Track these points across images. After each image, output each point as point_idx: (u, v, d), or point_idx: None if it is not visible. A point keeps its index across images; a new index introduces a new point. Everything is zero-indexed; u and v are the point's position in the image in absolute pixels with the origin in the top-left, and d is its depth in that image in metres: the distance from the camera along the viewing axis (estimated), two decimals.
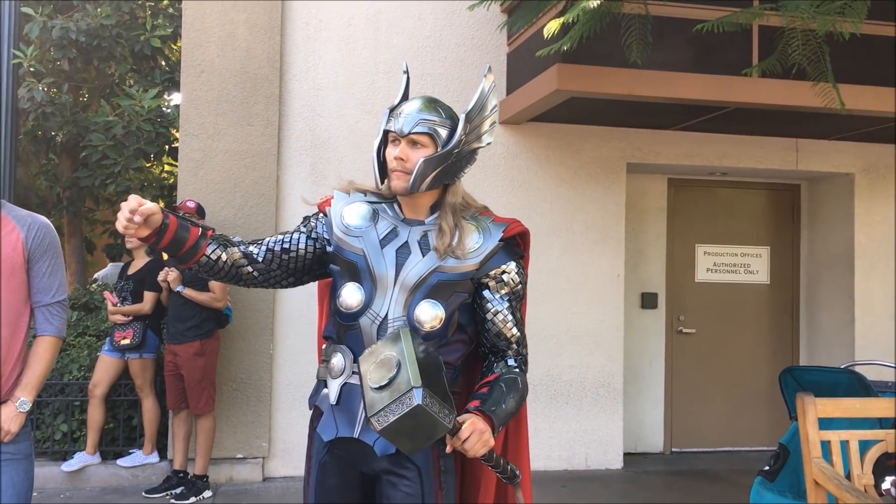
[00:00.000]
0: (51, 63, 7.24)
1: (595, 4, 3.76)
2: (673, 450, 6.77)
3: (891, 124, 5.75)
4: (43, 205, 7.61)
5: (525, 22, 5.34)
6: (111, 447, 5.64)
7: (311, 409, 2.28)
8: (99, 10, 6.95)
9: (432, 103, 2.21)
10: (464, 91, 5.97)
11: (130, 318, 5.38)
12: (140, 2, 7.47)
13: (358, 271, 2.18)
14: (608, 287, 6.22)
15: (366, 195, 2.29)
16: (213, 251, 2.17)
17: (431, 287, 2.14)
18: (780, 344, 7.03)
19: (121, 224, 2.01)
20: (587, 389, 6.16)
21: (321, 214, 2.31)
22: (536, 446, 6.06)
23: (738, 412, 6.88)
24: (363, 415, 2.04)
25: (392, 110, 2.23)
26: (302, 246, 2.26)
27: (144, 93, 6.76)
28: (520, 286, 2.22)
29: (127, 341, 5.35)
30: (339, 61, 5.95)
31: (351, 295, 2.16)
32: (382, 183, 2.25)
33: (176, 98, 7.42)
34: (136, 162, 6.90)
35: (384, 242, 2.20)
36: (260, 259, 2.23)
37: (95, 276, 8.15)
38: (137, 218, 1.99)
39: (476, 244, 2.19)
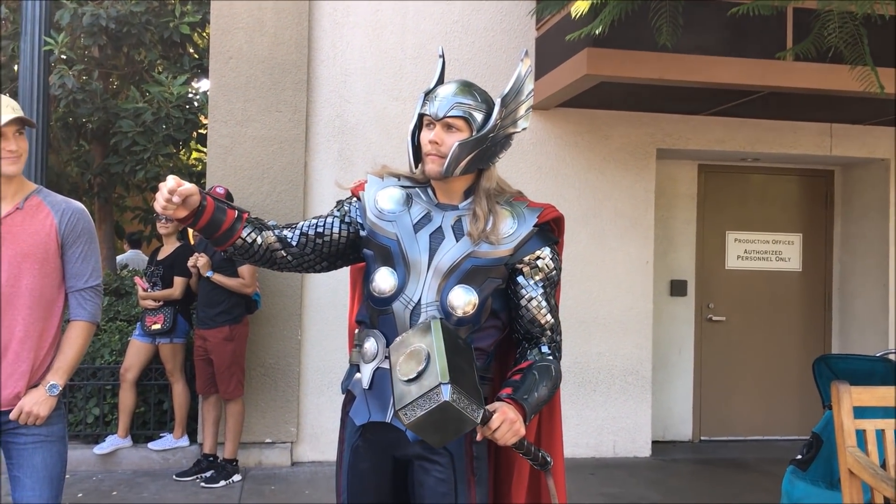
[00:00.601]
0: (81, 50, 7.29)
1: None
2: (702, 438, 6.72)
3: None
4: (74, 191, 7.68)
5: (555, 8, 5.28)
6: (142, 431, 5.70)
7: (343, 393, 2.28)
8: None
9: (468, 87, 2.19)
10: (492, 76, 5.93)
11: (161, 303, 5.43)
12: None
13: (391, 256, 2.17)
14: (637, 274, 6.17)
15: (399, 179, 2.28)
16: (248, 234, 2.17)
17: (465, 272, 2.13)
18: (811, 332, 6.93)
19: (159, 204, 2.02)
20: (615, 377, 6.13)
21: (355, 199, 2.30)
22: (564, 433, 6.01)
23: (768, 401, 6.80)
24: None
25: (427, 94, 2.21)
26: (336, 230, 2.25)
27: (173, 79, 6.80)
28: (554, 272, 2.20)
29: (158, 326, 5.40)
30: (366, 47, 5.93)
31: (384, 280, 2.16)
32: (417, 167, 2.23)
33: (205, 84, 7.45)
34: (165, 148, 6.94)
35: (418, 227, 2.18)
36: (294, 243, 2.23)
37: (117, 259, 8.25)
38: (176, 198, 2.00)
39: (510, 229, 2.17)
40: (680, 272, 6.72)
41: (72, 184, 7.82)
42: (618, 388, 6.13)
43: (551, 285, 2.20)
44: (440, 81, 2.25)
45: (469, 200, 2.20)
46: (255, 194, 5.72)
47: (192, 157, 8.60)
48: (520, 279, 2.17)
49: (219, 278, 5.15)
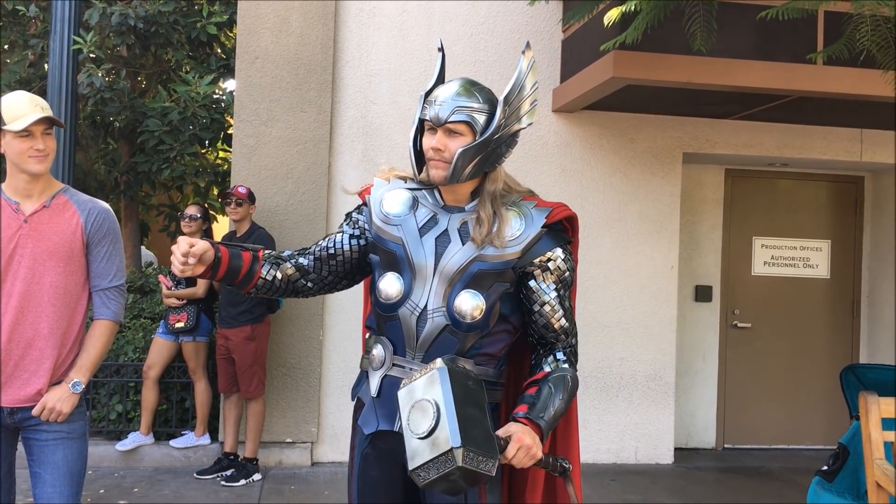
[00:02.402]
0: (110, 49, 7.34)
1: None
2: (725, 446, 6.64)
3: None
4: (101, 189, 7.74)
5: (582, 14, 5.25)
6: (164, 428, 5.74)
7: (353, 400, 2.27)
8: None
9: (470, 87, 2.11)
10: None
11: (184, 301, 5.45)
12: None
13: (397, 261, 2.13)
14: (661, 279, 6.12)
15: (406, 182, 2.24)
16: (267, 272, 2.20)
17: (471, 277, 2.08)
18: (839, 340, 6.83)
19: (177, 268, 2.05)
20: (638, 382, 6.07)
21: (363, 206, 2.27)
22: (585, 439, 6.00)
23: (794, 409, 6.71)
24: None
25: (427, 95, 2.15)
26: (346, 247, 2.24)
27: (200, 79, 6.83)
28: (567, 273, 2.13)
29: (181, 324, 5.43)
30: (392, 48, 5.92)
31: (390, 285, 2.12)
32: (420, 173, 2.19)
33: (231, 84, 7.49)
34: (191, 147, 6.98)
35: (423, 231, 2.14)
36: (311, 270, 2.24)
37: None
38: (191, 259, 2.04)
39: (517, 231, 2.10)
40: (705, 278, 6.64)
41: (99, 182, 7.88)
42: (640, 393, 6.07)
43: (565, 287, 2.14)
44: (440, 80, 2.18)
45: (476, 202, 2.15)
46: (279, 194, 5.73)
47: (219, 156, 8.64)
48: (532, 283, 2.11)
49: None
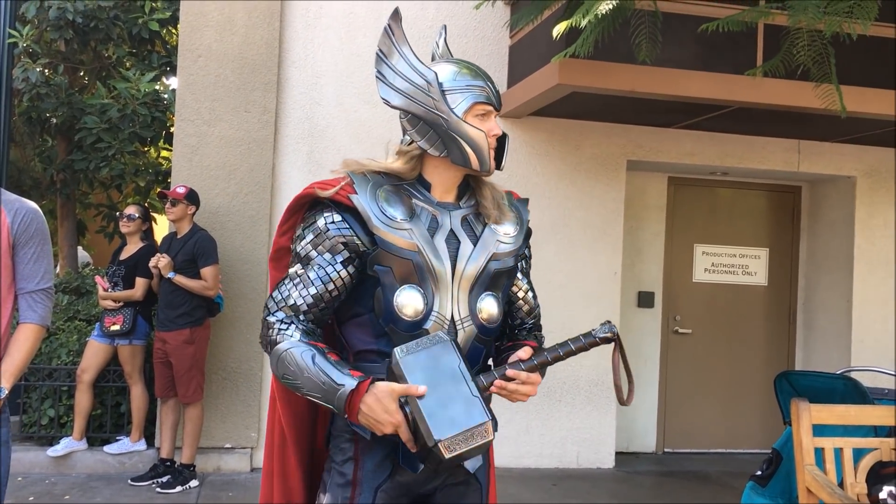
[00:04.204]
0: (47, 44, 7.16)
1: (608, 8, 3.64)
2: (665, 450, 6.73)
3: (893, 128, 5.69)
4: (36, 187, 7.53)
5: (528, 18, 5.27)
6: (98, 433, 5.59)
7: (368, 437, 1.89)
8: None
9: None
10: None
11: (121, 303, 5.32)
12: None
13: (413, 270, 1.87)
14: (605, 285, 6.17)
15: (383, 176, 1.95)
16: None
17: (490, 278, 1.95)
18: (776, 346, 6.98)
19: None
20: (580, 388, 6.12)
21: (337, 216, 1.89)
22: (528, 443, 6.04)
23: (732, 414, 6.84)
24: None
25: (447, 77, 2.03)
26: (346, 275, 1.89)
27: (141, 76, 6.69)
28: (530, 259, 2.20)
29: (117, 327, 5.29)
30: (339, 49, 5.87)
31: (412, 299, 1.87)
32: (482, 165, 1.92)
33: (173, 82, 7.35)
34: (130, 146, 6.84)
35: (431, 233, 1.91)
36: (324, 319, 1.94)
37: None
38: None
39: (517, 226, 2.06)
40: (648, 284, 6.73)
41: (34, 179, 7.66)
42: (583, 398, 6.12)
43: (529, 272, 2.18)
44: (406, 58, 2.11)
45: (467, 196, 2.01)
46: (221, 195, 5.63)
47: (161, 155, 8.48)
48: (518, 273, 2.10)
49: (180, 280, 5.06)
